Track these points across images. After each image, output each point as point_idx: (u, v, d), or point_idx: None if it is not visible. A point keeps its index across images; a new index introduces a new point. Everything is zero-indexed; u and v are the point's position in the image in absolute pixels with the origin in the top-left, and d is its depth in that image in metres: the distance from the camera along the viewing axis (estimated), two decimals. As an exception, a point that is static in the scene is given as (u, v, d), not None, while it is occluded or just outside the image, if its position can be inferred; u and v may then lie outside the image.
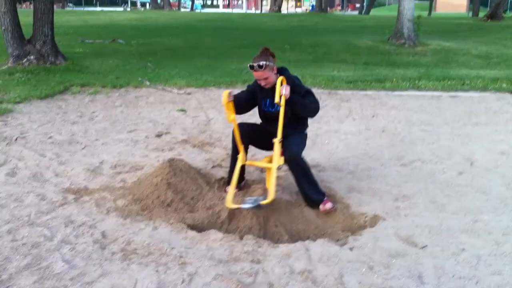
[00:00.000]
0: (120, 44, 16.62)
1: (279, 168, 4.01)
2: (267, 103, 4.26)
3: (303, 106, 4.11)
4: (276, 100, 3.93)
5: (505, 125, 6.88)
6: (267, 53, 4.10)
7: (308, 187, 4.14)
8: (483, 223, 3.81)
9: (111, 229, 3.61)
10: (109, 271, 3.03)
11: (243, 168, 4.37)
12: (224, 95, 4.02)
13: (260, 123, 4.47)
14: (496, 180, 4.77)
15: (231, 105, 4.09)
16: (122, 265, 3.10)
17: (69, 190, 4.36)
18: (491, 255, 3.32)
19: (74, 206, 3.99)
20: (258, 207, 3.78)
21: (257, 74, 4.06)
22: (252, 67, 4.02)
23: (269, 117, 4.28)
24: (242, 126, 4.27)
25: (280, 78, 3.98)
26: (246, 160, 4.27)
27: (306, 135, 4.42)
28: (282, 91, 3.93)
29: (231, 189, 3.99)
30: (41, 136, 6.00)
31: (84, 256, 3.20)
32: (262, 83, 4.13)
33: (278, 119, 4.01)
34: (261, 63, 4.00)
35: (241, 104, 4.24)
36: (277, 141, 3.99)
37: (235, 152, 4.32)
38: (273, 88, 4.07)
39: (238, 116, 4.21)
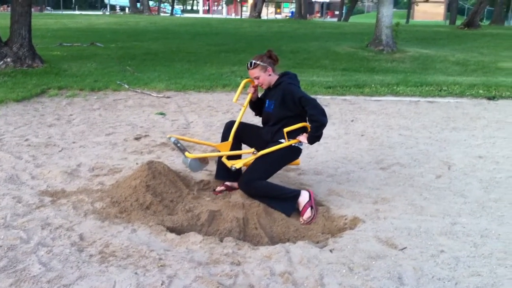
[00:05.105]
0: (99, 48, 16.49)
1: (231, 168, 4.09)
2: (266, 103, 4.31)
3: (317, 136, 4.12)
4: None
5: (482, 130, 6.98)
6: (265, 55, 4.17)
7: (275, 205, 4.05)
8: (462, 225, 3.85)
9: (89, 231, 3.54)
10: (87, 273, 2.97)
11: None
12: (247, 80, 4.35)
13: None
14: (474, 183, 4.83)
15: (250, 95, 4.35)
16: (100, 268, 3.04)
17: (45, 193, 4.27)
18: (469, 256, 3.35)
19: (51, 208, 3.91)
20: (181, 150, 4.11)
21: (249, 72, 4.16)
22: (247, 66, 4.14)
23: (264, 117, 4.35)
24: (232, 122, 4.40)
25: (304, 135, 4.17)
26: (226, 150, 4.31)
27: (288, 147, 4.14)
28: (299, 138, 4.15)
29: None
30: (18, 139, 5.90)
31: (61, 259, 3.14)
32: (255, 82, 4.21)
33: (268, 121, 4.24)
34: (252, 61, 4.09)
35: (258, 104, 4.45)
36: (251, 152, 4.14)
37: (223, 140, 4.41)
38: (269, 89, 4.24)
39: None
